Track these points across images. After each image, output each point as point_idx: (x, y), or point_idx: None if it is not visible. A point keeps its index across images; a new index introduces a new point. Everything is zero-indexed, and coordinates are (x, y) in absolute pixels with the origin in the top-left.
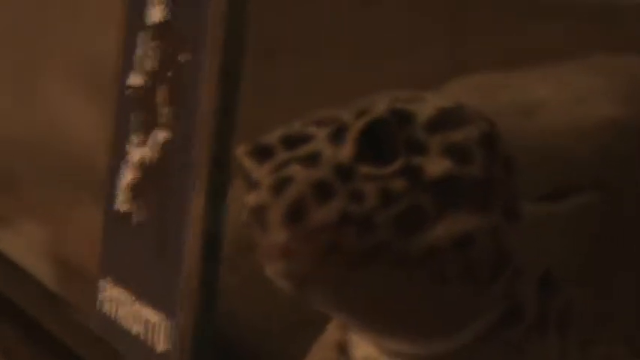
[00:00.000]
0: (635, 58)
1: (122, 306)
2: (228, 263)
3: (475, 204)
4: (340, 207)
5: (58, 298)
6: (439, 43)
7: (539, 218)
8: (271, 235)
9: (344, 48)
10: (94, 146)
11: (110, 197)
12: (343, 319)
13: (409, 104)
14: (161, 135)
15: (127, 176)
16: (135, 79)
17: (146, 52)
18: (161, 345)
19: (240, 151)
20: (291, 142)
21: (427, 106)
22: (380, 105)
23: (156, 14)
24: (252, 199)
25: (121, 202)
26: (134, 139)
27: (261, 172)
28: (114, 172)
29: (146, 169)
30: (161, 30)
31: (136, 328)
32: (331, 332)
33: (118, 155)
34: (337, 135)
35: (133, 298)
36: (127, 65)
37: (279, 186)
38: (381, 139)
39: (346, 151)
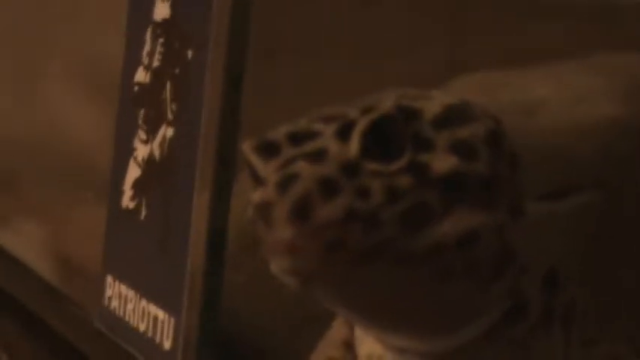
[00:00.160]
0: (635, 57)
1: (129, 303)
2: (232, 261)
3: (480, 201)
4: (346, 203)
5: (59, 294)
6: (439, 43)
7: (541, 217)
8: (277, 232)
9: (344, 48)
10: (94, 146)
11: (115, 194)
12: (348, 316)
13: (415, 101)
14: (167, 132)
15: (132, 173)
16: (141, 76)
17: (152, 49)
18: (168, 342)
19: (246, 147)
20: (297, 138)
21: (433, 103)
22: (386, 102)
23: (162, 11)
24: (257, 195)
25: (126, 199)
26: (140, 135)
27: (267, 169)
28: (119, 169)
29: (151, 166)
30: (167, 27)
31: (142, 326)
32: (337, 329)
33: (123, 152)
34: (343, 132)
35: (138, 295)
36: (132, 62)
37: (285, 182)
38: (388, 136)
39: (352, 147)
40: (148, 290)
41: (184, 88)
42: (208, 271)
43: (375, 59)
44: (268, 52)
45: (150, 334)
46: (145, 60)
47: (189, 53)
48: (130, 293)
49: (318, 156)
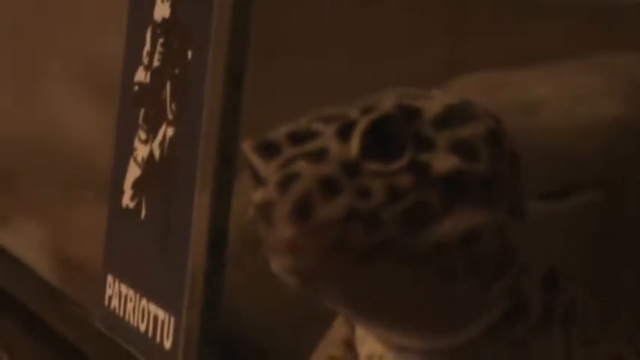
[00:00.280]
0: (635, 57)
1: (129, 303)
2: (233, 260)
3: (481, 200)
4: (347, 203)
5: (60, 294)
6: (439, 43)
7: (541, 216)
8: (278, 231)
9: (344, 48)
10: (94, 146)
11: (115, 194)
12: (349, 315)
13: (416, 101)
14: (167, 131)
15: (132, 173)
16: (141, 76)
17: (153, 49)
18: (168, 342)
19: (247, 147)
20: (298, 138)
21: (434, 102)
22: (387, 101)
23: (162, 11)
24: (258, 195)
25: (126, 199)
26: (140, 135)
27: (268, 169)
28: (119, 168)
29: (151, 166)
30: (167, 26)
31: (143, 325)
32: (338, 329)
33: (124, 152)
34: (344, 131)
35: (138, 295)
36: (133, 62)
37: (286, 182)
38: (388, 136)
39: (353, 147)
40: (148, 290)
41: (184, 87)
42: (209, 270)
43: (375, 59)
44: (268, 52)
45: (150, 333)
46: (145, 60)
47: (190, 53)
48: (131, 293)
49: (319, 156)
